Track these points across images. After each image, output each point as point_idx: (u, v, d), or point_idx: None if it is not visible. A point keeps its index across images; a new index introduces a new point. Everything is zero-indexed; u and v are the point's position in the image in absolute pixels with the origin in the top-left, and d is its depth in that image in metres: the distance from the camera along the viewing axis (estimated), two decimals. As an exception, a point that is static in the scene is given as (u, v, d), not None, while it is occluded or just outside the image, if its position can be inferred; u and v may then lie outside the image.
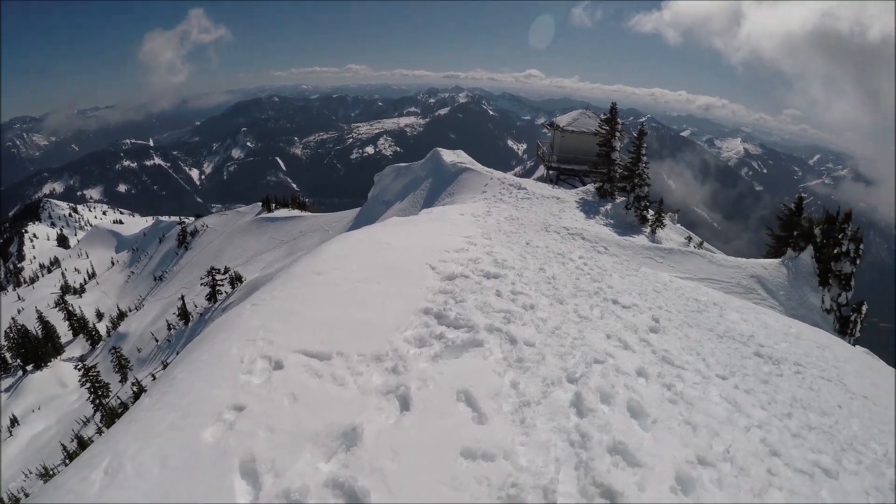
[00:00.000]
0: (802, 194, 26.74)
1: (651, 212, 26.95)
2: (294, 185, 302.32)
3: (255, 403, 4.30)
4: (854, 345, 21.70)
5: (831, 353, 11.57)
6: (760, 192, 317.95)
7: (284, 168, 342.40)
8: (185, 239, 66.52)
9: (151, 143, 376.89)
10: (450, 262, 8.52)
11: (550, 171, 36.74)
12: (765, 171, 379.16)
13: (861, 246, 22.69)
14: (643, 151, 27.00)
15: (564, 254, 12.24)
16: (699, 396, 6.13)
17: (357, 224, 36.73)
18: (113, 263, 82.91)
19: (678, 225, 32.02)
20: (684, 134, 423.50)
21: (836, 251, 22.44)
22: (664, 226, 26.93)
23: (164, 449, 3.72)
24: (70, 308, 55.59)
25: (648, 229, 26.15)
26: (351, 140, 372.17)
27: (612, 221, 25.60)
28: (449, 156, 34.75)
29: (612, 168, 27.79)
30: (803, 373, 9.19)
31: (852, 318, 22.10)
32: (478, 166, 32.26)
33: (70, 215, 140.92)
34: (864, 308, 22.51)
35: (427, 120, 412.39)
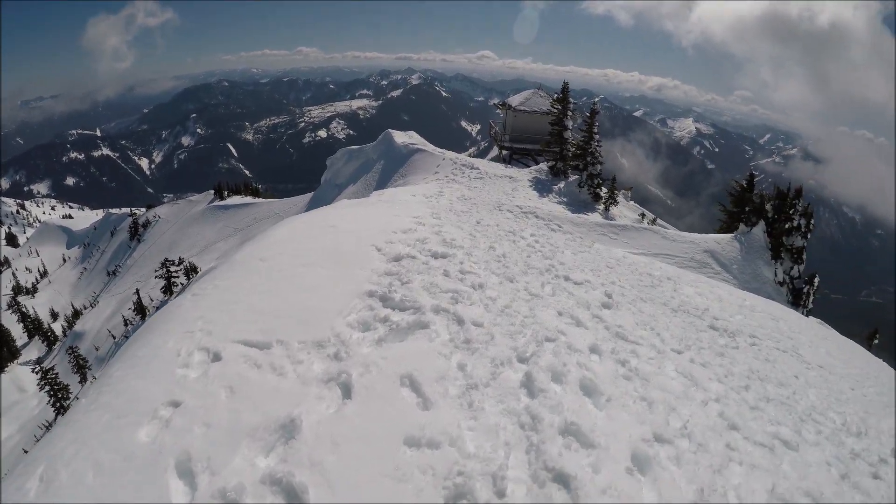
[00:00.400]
0: (753, 172, 27.16)
1: (604, 189, 26.98)
2: (247, 172, 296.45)
3: (192, 399, 4.12)
4: (807, 316, 22.21)
5: (786, 324, 11.58)
6: (712, 170, 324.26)
7: (236, 154, 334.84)
8: (137, 231, 64.88)
9: (99, 133, 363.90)
10: (397, 244, 8.13)
11: (503, 151, 36.53)
12: (716, 149, 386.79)
13: (812, 221, 23.16)
14: (595, 130, 26.95)
15: (516, 232, 11.94)
16: (654, 372, 5.91)
17: (310, 209, 35.88)
18: (65, 260, 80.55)
19: (631, 202, 32.20)
20: (637, 114, 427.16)
21: (787, 226, 22.90)
22: (617, 203, 27.00)
23: (99, 452, 3.57)
24: (23, 309, 53.94)
25: (602, 207, 26.19)
26: (303, 124, 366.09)
27: (565, 200, 25.53)
28: (401, 137, 34.20)
29: (565, 147, 27.68)
30: (759, 344, 9.12)
31: (805, 290, 22.54)
32: (430, 147, 31.83)
33: (17, 212, 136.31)
34: (817, 280, 22.97)
35: (380, 102, 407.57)
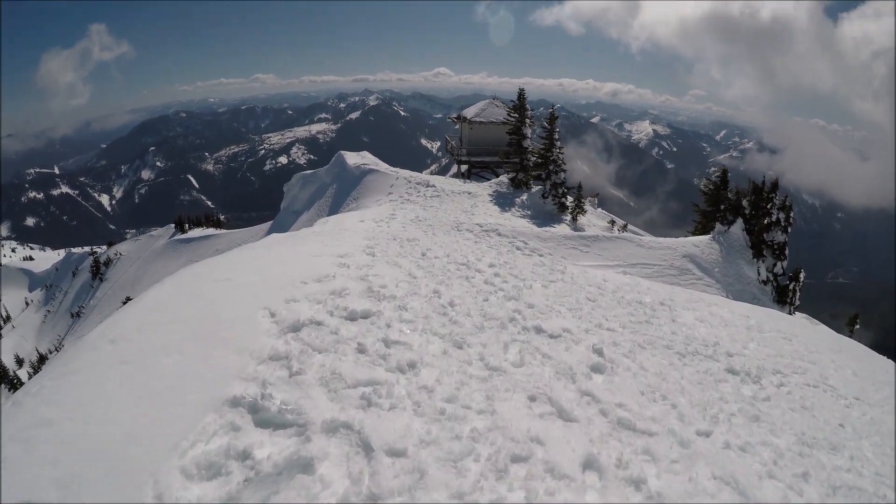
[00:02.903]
0: (713, 168, 26.09)
1: (570, 198, 25.43)
2: (209, 203, 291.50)
3: None
4: (794, 312, 20.90)
5: (799, 343, 9.81)
6: (670, 168, 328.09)
7: (197, 185, 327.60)
8: (98, 270, 62.11)
9: (57, 171, 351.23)
10: (302, 302, 5.88)
11: (462, 166, 34.93)
12: (674, 149, 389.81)
13: (791, 214, 22.08)
14: (556, 137, 25.54)
15: (470, 264, 9.63)
16: (685, 490, 3.76)
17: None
18: (27, 304, 76.08)
19: (599, 209, 30.81)
20: (594, 120, 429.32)
21: (766, 221, 21.70)
22: (585, 212, 25.40)
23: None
24: None
25: (569, 217, 24.63)
26: (263, 151, 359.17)
27: (529, 213, 23.96)
28: (353, 158, 32.29)
29: (525, 156, 26.24)
30: (787, 383, 7.23)
31: (790, 286, 21.31)
32: (383, 166, 29.98)
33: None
34: (802, 275, 21.78)
35: (339, 125, 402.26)
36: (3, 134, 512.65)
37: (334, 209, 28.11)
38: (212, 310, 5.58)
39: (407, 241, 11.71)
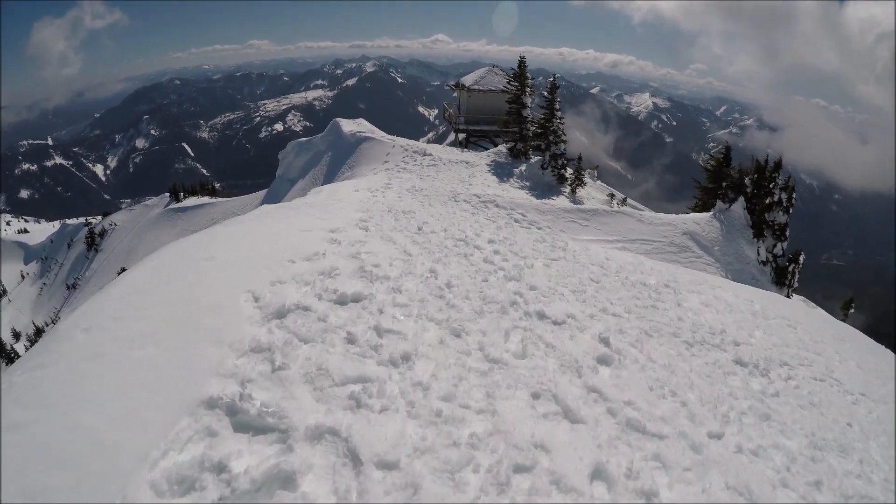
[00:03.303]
0: (712, 143, 25.57)
1: (570, 170, 24.83)
2: (204, 171, 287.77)
3: None
4: (790, 295, 20.62)
5: (804, 331, 9.43)
6: (670, 142, 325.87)
7: (192, 154, 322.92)
8: (94, 241, 61.67)
9: (50, 142, 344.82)
10: (288, 283, 5.47)
11: (460, 135, 34.23)
12: (674, 123, 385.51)
13: (793, 195, 21.64)
14: (556, 106, 24.86)
15: (468, 239, 9.18)
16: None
17: (267, 204, 33.38)
18: (23, 277, 75.25)
19: (598, 182, 30.29)
20: (594, 91, 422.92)
21: (768, 201, 21.20)
22: (584, 184, 24.86)
23: None
24: None
25: (568, 189, 24.08)
26: (259, 118, 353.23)
27: (527, 184, 23.42)
28: (348, 125, 31.58)
29: (525, 126, 25.54)
30: (794, 377, 6.87)
31: (790, 268, 20.97)
32: (379, 134, 29.31)
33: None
34: (802, 258, 21.46)
35: (335, 92, 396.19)
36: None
37: (329, 177, 27.59)
38: (192, 294, 5.20)
39: (402, 213, 11.27)
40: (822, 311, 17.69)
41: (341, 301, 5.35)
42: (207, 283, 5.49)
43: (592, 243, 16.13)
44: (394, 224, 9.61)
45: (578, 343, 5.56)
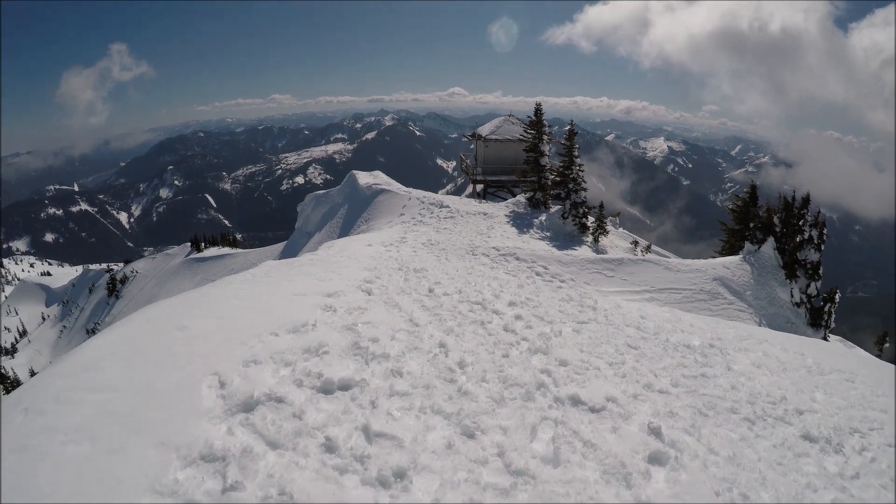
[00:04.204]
0: (729, 184, 24.71)
1: (591, 218, 23.90)
2: (226, 222, 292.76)
3: None
4: (827, 336, 19.30)
5: (863, 384, 8.32)
6: (686, 185, 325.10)
7: (215, 204, 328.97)
8: (115, 287, 62.38)
9: (76, 188, 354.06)
10: (264, 364, 4.52)
11: (477, 186, 33.61)
12: (690, 165, 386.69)
13: (824, 231, 20.45)
14: (575, 153, 24.17)
15: (486, 302, 8.12)
16: None
17: (283, 258, 32.91)
18: (44, 319, 77.28)
19: (620, 229, 29.31)
20: (609, 138, 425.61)
21: (798, 239, 20.03)
22: (607, 232, 23.87)
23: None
24: (2, 371, 50.29)
25: (590, 238, 23.16)
26: (280, 171, 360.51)
27: (548, 234, 22.50)
28: (365, 178, 31.12)
29: (543, 175, 24.76)
30: (868, 447, 5.76)
31: (826, 308, 19.68)
32: (395, 186, 28.77)
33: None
34: (838, 296, 20.14)
35: (355, 145, 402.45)
36: (24, 150, 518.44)
37: (345, 230, 27.16)
38: (148, 375, 4.29)
39: (414, 271, 10.30)
40: (862, 351, 16.61)
41: (326, 389, 4.35)
42: (170, 360, 4.58)
43: (621, 296, 15.16)
44: (402, 285, 8.63)
45: (623, 437, 4.45)
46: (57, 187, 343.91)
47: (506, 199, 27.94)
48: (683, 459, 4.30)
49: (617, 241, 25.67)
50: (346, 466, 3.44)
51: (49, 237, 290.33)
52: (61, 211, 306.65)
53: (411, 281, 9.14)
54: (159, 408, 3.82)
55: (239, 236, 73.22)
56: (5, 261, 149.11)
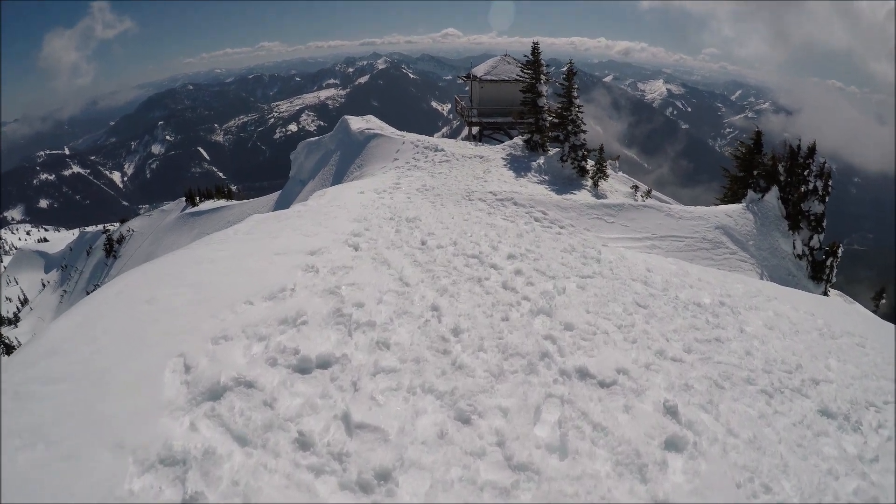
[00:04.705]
0: (728, 129, 24.11)
1: (590, 162, 23.31)
2: (220, 174, 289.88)
3: None
4: (827, 291, 19.24)
5: (873, 349, 7.88)
6: (685, 129, 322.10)
7: (208, 157, 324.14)
8: (112, 247, 61.70)
9: (67, 152, 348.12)
10: (235, 340, 4.01)
11: (473, 128, 32.88)
12: (689, 109, 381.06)
13: (829, 182, 20.09)
14: (574, 94, 23.44)
15: (483, 255, 7.57)
16: None
17: (277, 208, 32.21)
18: (44, 285, 76.50)
19: (620, 173, 28.77)
20: (607, 79, 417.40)
21: (802, 189, 19.66)
22: (607, 176, 23.31)
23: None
24: (7, 341, 50.45)
25: (590, 182, 22.66)
26: (272, 120, 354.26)
27: (546, 178, 21.95)
28: (357, 123, 30.30)
29: (541, 116, 24.00)
30: (885, 423, 5.39)
31: (828, 262, 19.36)
32: (388, 130, 28.03)
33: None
34: (840, 251, 19.86)
35: (348, 90, 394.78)
36: (10, 119, 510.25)
37: (338, 178, 26.54)
38: (110, 360, 3.81)
39: (406, 221, 9.71)
40: (861, 308, 16.46)
41: (302, 368, 3.86)
42: (135, 341, 4.08)
43: (622, 243, 14.76)
44: (393, 238, 8.03)
45: (637, 418, 3.97)
46: (48, 152, 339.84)
47: (503, 142, 27.33)
48: (702, 444, 3.83)
49: (617, 185, 25.15)
50: (321, 467, 2.97)
51: (43, 203, 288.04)
52: (54, 176, 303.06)
53: (403, 232, 8.55)
54: (119, 400, 3.35)
55: (234, 188, 72.39)
56: (1, 231, 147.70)
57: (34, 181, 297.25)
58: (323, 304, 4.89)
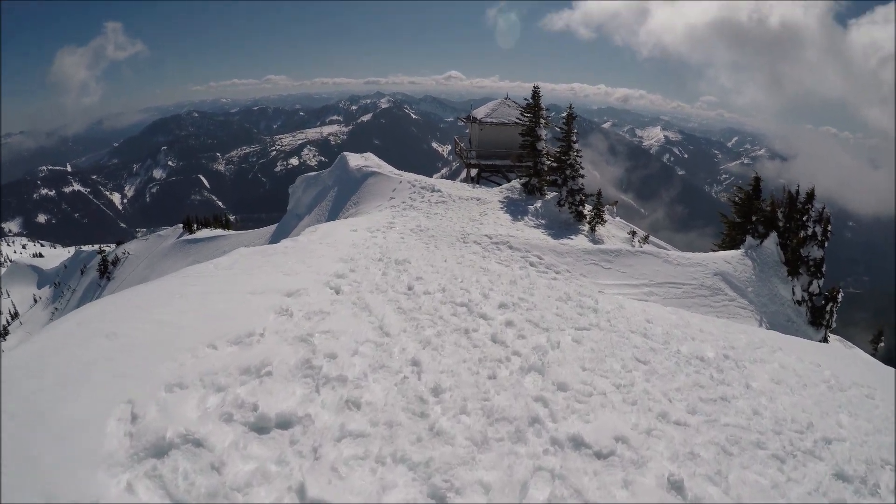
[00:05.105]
0: (724, 175, 24.13)
1: (588, 206, 23.12)
2: (220, 203, 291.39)
3: None
4: (827, 337, 18.88)
5: (882, 401, 7.59)
6: (681, 175, 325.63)
7: (209, 185, 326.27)
8: (106, 269, 61.38)
9: (69, 169, 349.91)
10: (191, 389, 3.58)
11: (471, 170, 32.87)
12: (685, 155, 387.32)
13: (829, 227, 19.94)
14: (573, 139, 23.42)
15: (473, 304, 7.13)
16: None
17: (273, 241, 32.00)
18: (36, 301, 76.28)
19: (618, 218, 28.56)
20: (605, 125, 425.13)
21: (801, 235, 19.46)
22: (605, 221, 23.08)
23: None
24: None
25: (587, 227, 22.51)
26: (274, 152, 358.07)
27: (543, 222, 21.79)
28: (355, 160, 30.21)
29: (540, 160, 23.94)
30: None
31: (827, 307, 19.11)
32: (386, 168, 27.93)
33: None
34: (840, 296, 19.64)
35: (350, 127, 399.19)
36: (16, 130, 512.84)
37: (334, 214, 26.40)
38: (55, 400, 3.39)
39: (395, 263, 9.30)
40: (864, 354, 16.20)
41: (260, 427, 3.41)
42: (84, 381, 3.67)
43: (619, 290, 14.49)
44: (378, 281, 7.60)
45: (637, 495, 3.47)
46: (50, 168, 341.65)
47: (500, 185, 27.20)
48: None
49: (614, 230, 24.93)
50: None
51: (42, 218, 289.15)
52: (54, 192, 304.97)
53: (390, 275, 8.12)
54: (55, 449, 2.92)
55: (232, 218, 73.46)
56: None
57: (34, 195, 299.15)
58: (292, 352, 4.45)
